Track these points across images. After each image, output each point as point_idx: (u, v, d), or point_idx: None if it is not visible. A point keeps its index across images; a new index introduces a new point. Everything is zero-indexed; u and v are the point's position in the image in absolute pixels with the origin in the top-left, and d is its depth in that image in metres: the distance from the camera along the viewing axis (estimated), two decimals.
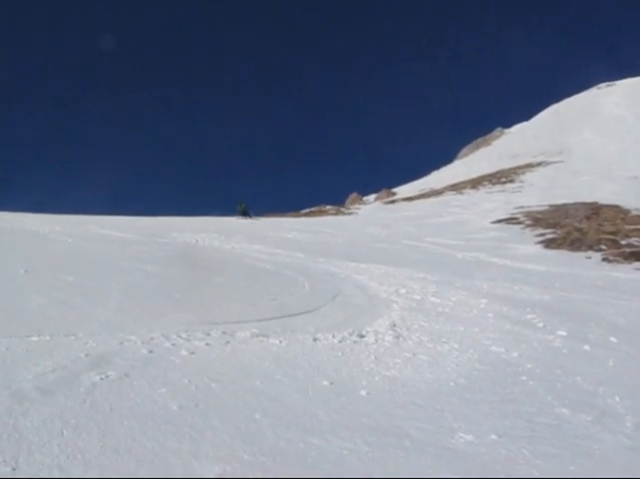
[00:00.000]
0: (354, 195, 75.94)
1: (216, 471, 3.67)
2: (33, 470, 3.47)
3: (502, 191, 51.09)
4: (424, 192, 65.05)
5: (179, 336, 7.11)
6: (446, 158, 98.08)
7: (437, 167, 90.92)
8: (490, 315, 9.94)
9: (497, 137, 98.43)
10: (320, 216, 45.87)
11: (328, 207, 55.71)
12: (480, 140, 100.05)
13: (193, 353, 6.42)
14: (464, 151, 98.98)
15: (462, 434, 4.67)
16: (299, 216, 47.64)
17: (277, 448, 4.11)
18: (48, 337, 6.60)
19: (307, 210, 55.86)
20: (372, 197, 74.59)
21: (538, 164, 66.60)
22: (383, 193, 73.77)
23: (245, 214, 40.40)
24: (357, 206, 60.46)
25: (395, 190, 76.44)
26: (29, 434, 3.94)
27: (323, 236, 25.78)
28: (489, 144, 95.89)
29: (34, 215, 26.52)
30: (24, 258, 12.49)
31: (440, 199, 52.55)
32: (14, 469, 3.46)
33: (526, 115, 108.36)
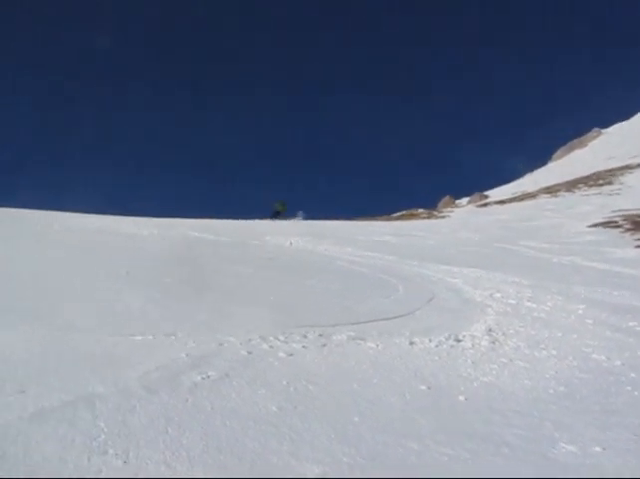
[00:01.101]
0: (446, 197, 75.28)
1: (316, 472, 3.72)
2: (141, 464, 3.60)
3: (599, 193, 49.47)
4: (517, 194, 63.75)
5: (277, 339, 7.22)
6: (540, 159, 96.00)
7: (531, 169, 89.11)
8: (590, 322, 9.65)
9: (594, 137, 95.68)
10: (412, 219, 45.62)
11: (420, 209, 55.35)
12: (575, 141, 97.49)
13: (291, 356, 6.51)
14: (558, 152, 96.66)
15: (563, 444, 4.54)
16: (390, 219, 47.50)
17: (375, 451, 4.11)
18: (150, 337, 6.83)
19: (398, 213, 55.63)
20: (464, 199, 73.70)
21: (638, 164, 64.30)
22: (475, 195, 72.81)
23: (277, 214, 37.67)
24: (449, 208, 59.75)
25: (487, 192, 75.27)
26: (136, 430, 4.09)
27: (415, 239, 25.59)
28: (585, 145, 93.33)
29: (127, 217, 27.35)
30: (124, 261, 12.94)
31: (534, 201, 51.31)
32: (124, 462, 3.60)
33: (625, 114, 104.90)
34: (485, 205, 59.07)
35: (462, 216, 45.56)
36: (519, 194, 64.13)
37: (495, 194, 73.12)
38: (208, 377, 5.43)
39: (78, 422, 4.14)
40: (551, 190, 58.45)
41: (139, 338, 6.75)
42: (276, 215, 37.86)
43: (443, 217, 46.56)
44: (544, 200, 51.16)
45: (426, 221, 42.92)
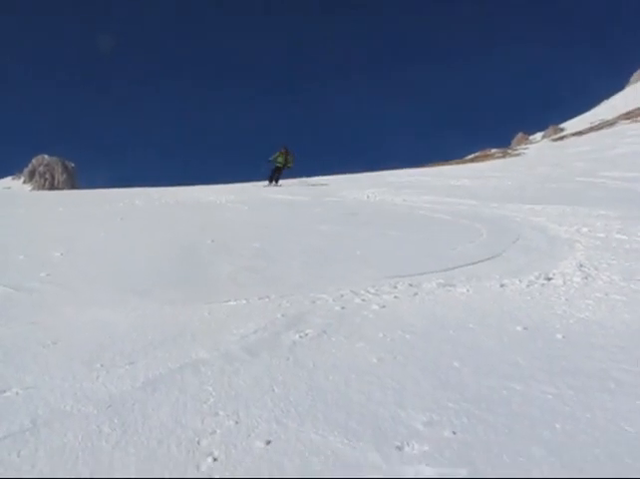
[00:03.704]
0: (520, 135, 74.03)
1: (423, 419, 3.75)
2: (252, 423, 3.70)
3: None
4: (594, 124, 61.80)
5: (368, 292, 7.28)
6: (616, 85, 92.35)
7: (606, 96, 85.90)
8: None
9: None
10: (486, 160, 44.83)
11: (493, 150, 54.49)
12: None
13: (384, 307, 6.56)
14: (635, 75, 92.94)
15: None
16: (465, 162, 46.80)
17: (480, 395, 4.12)
18: (244, 301, 6.96)
19: (472, 155, 54.82)
20: (538, 135, 72.21)
21: None
22: (550, 130, 71.32)
23: (278, 172, 26.60)
24: (524, 146, 58.62)
25: (562, 125, 73.37)
26: (243, 391, 4.21)
27: (492, 180, 25.18)
28: None
29: (199, 187, 27.69)
30: (208, 229, 13.15)
31: (613, 130, 49.68)
32: (237, 422, 3.71)
33: None
34: (562, 138, 57.60)
35: (538, 152, 44.58)
36: (597, 123, 62.16)
37: (571, 126, 71.33)
38: (306, 335, 5.53)
39: (187, 388, 4.29)
40: (631, 115, 56.43)
41: (233, 303, 6.90)
42: (276, 174, 27.08)
43: (518, 155, 45.69)
44: (624, 127, 49.47)
45: (501, 160, 42.24)
